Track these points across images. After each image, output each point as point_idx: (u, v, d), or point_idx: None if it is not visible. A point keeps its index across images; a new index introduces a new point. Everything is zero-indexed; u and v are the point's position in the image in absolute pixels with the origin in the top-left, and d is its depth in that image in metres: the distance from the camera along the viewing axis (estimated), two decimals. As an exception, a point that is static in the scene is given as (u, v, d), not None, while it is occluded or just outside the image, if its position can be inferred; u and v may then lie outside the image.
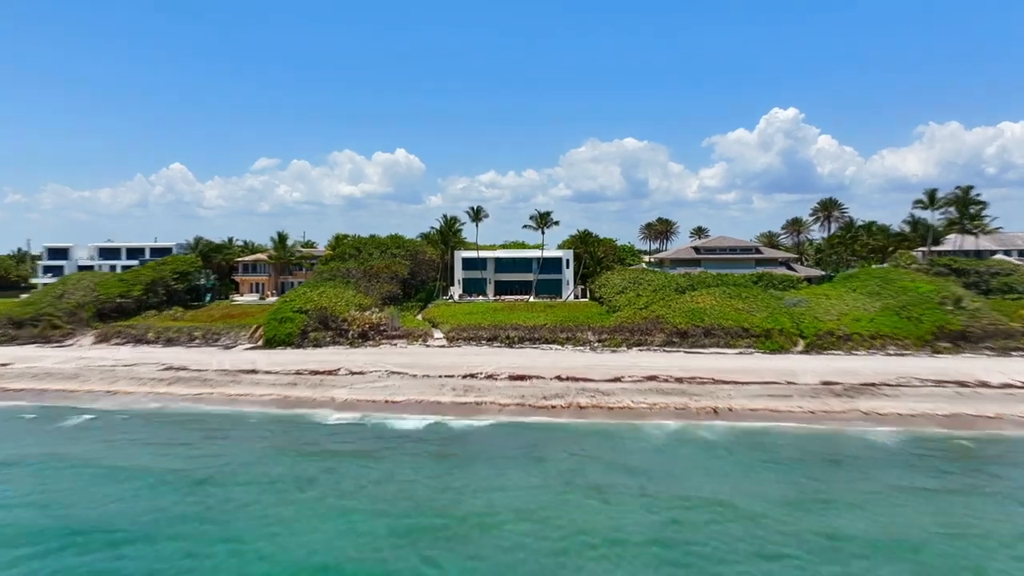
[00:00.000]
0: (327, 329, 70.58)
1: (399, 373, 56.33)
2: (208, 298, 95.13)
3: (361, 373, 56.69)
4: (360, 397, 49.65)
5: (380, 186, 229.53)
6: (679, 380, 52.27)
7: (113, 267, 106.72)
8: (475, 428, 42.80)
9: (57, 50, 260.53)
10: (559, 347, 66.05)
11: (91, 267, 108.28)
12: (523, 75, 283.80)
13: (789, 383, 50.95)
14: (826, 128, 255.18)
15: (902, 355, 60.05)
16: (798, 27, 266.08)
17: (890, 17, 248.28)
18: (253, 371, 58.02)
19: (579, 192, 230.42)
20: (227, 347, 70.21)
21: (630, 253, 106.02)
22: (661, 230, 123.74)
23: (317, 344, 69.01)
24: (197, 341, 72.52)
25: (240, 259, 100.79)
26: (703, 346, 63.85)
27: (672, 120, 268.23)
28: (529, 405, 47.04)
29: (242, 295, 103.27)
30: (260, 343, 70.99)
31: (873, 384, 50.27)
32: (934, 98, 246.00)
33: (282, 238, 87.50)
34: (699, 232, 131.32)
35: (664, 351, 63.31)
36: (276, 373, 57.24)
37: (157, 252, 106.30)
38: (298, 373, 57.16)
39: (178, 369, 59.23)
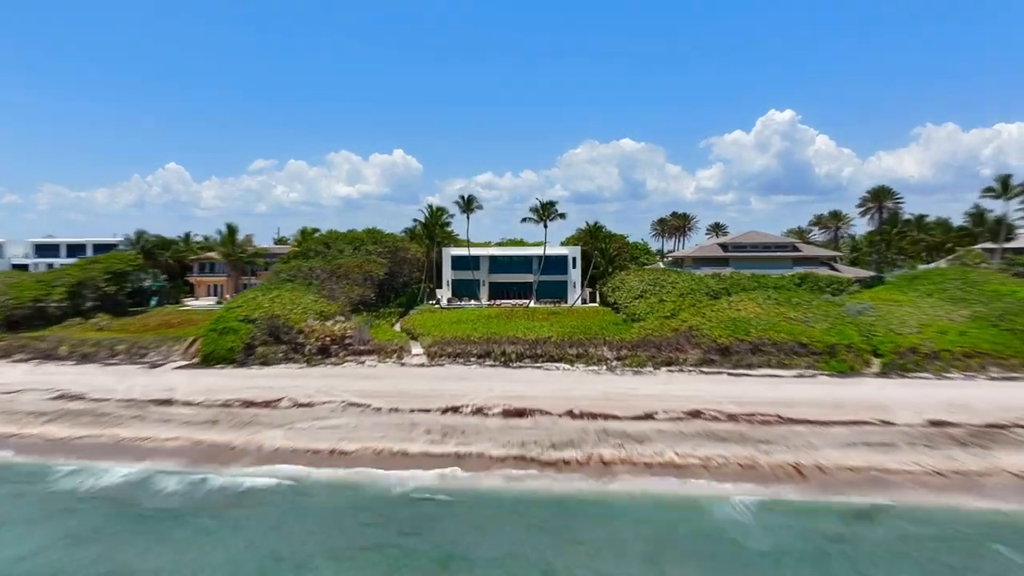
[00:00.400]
0: (279, 343, 56.90)
1: (359, 405, 42.76)
2: (154, 302, 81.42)
3: (309, 405, 43.08)
4: (297, 445, 35.98)
5: (377, 187, 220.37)
6: (733, 417, 38.77)
7: (51, 266, 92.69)
8: (452, 501, 29.23)
9: (54, 50, 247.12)
10: (568, 367, 52.49)
11: (26, 266, 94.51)
12: (520, 77, 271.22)
13: (885, 423, 37.46)
14: (823, 129, 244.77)
15: (1011, 379, 46.58)
16: (795, 28, 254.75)
17: (887, 18, 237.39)
18: (168, 401, 44.36)
19: (577, 193, 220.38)
20: (154, 365, 56.53)
21: (644, 251, 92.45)
22: (677, 226, 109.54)
23: (265, 362, 55.35)
24: (120, 357, 58.76)
25: (195, 258, 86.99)
26: (750, 366, 50.36)
27: (669, 121, 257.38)
28: (532, 459, 33.44)
29: (197, 298, 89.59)
30: (196, 359, 57.41)
31: (1002, 426, 36.75)
32: (931, 100, 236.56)
33: (231, 231, 73.33)
34: (717, 229, 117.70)
35: (702, 372, 49.80)
36: (197, 405, 43.61)
37: (101, 248, 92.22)
38: (226, 405, 43.53)
39: (73, 398, 45.47)
